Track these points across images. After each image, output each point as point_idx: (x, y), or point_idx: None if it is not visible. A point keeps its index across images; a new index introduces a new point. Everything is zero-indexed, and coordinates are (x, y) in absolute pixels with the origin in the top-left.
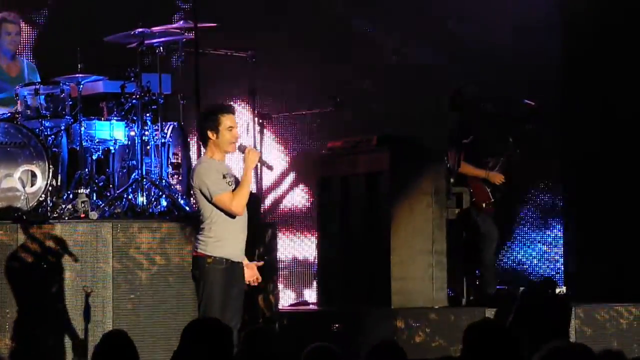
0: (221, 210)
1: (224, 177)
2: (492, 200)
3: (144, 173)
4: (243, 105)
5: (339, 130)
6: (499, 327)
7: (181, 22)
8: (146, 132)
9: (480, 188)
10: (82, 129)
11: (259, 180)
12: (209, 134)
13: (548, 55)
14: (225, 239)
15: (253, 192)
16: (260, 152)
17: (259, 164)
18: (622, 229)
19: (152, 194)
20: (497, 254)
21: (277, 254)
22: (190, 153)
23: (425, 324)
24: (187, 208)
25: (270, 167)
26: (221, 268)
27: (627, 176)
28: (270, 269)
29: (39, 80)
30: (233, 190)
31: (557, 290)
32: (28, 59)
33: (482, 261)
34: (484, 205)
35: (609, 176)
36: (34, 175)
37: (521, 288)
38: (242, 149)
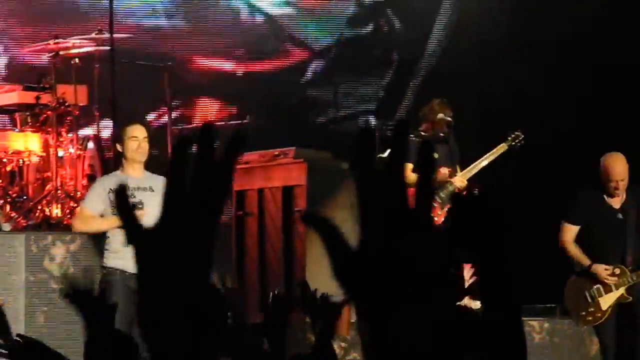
0: None
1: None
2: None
3: (59, 185)
4: (159, 116)
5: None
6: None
7: (97, 33)
8: (61, 144)
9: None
10: None
11: None
12: (118, 147)
13: None
14: (120, 250)
15: None
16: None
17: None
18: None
19: (67, 205)
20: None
21: None
22: (107, 165)
23: (340, 337)
24: None
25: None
26: (114, 279)
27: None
28: None
29: None
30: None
31: None
32: None
33: None
34: None
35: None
36: None
37: None
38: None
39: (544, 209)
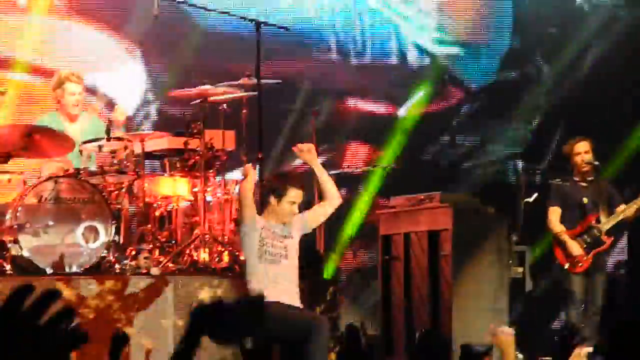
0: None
1: (267, 235)
2: (578, 260)
3: (206, 229)
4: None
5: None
6: None
7: (245, 78)
8: (209, 188)
9: (558, 247)
10: (146, 185)
11: (317, 238)
12: (271, 198)
13: None
14: (265, 283)
15: (316, 250)
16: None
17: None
18: None
19: (215, 250)
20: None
21: (340, 314)
22: None
23: None
24: None
25: None
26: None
27: None
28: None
29: (103, 135)
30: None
31: None
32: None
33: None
34: (566, 265)
35: None
36: (96, 231)
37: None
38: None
39: None
